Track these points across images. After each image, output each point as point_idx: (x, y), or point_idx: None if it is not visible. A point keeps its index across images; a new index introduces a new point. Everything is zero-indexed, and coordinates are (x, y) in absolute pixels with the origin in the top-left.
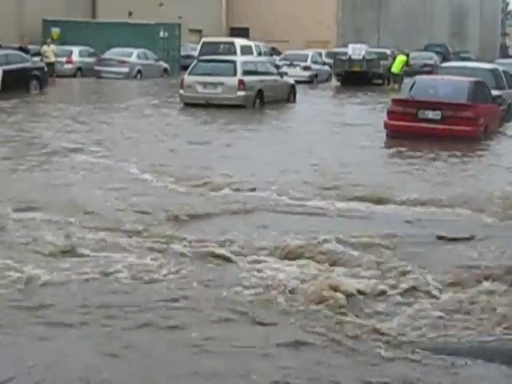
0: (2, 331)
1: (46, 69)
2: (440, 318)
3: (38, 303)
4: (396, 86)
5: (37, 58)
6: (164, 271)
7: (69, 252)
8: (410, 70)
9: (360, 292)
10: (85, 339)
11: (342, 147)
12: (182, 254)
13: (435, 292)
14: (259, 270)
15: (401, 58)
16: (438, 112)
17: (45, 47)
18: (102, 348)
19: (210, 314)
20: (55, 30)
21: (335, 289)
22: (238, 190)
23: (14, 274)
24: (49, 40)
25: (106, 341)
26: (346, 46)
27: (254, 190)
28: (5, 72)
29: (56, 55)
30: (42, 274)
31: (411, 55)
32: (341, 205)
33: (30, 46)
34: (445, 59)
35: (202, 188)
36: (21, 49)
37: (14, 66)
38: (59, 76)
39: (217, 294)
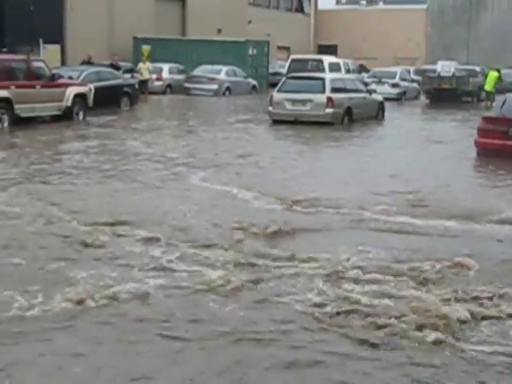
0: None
1: (136, 86)
2: None
3: (125, 317)
4: (489, 104)
5: (127, 75)
6: (250, 288)
7: (157, 267)
8: (500, 88)
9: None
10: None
11: (431, 164)
12: (273, 272)
13: None
14: (355, 291)
15: (493, 75)
16: None
17: (140, 64)
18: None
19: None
20: (146, 48)
21: (443, 313)
22: (326, 206)
23: (104, 288)
24: (144, 58)
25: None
26: (434, 62)
27: (340, 206)
28: (96, 89)
29: (150, 73)
30: (131, 289)
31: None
32: (430, 223)
33: (121, 63)
34: None
35: (289, 204)
36: (112, 66)
37: (106, 82)
38: (149, 93)
39: (311, 314)
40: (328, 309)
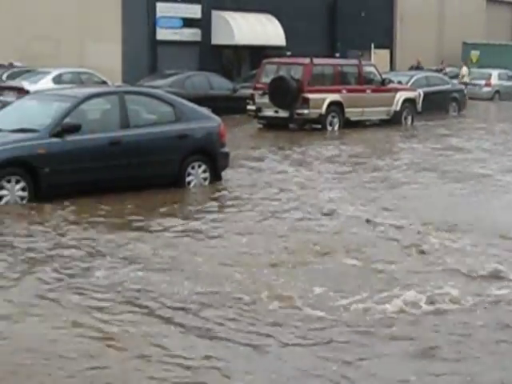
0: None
1: (465, 91)
2: None
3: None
4: None
5: (455, 81)
6: None
7: (492, 276)
8: None
9: None
10: None
11: None
12: None
13: None
14: None
15: None
16: None
17: (463, 69)
18: None
19: None
20: (474, 53)
21: None
22: None
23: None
24: (463, 62)
25: None
26: None
27: None
28: (425, 94)
29: (469, 78)
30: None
31: None
32: None
33: (448, 69)
34: None
35: None
36: (437, 71)
37: (434, 88)
38: (475, 99)
39: None
40: None
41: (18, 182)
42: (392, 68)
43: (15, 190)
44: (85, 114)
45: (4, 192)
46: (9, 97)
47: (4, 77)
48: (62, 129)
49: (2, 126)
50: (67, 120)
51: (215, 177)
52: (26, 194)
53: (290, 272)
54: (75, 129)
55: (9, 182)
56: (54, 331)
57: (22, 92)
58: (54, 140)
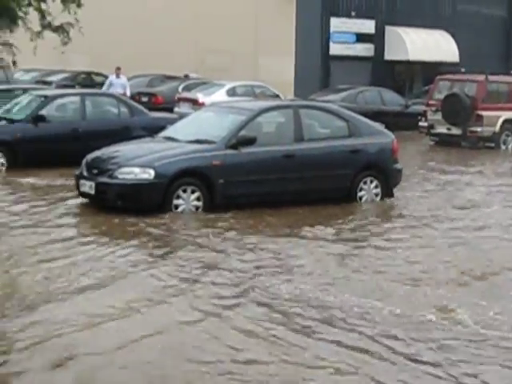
0: None
1: None
2: None
3: None
4: None
5: None
6: None
7: None
8: None
9: None
10: None
11: None
12: None
13: None
14: None
15: None
16: None
17: None
18: None
19: None
20: None
21: None
22: None
23: None
24: None
25: None
26: None
27: None
28: None
29: None
30: None
31: None
32: None
33: None
34: None
35: None
36: None
37: None
38: None
39: None
40: None
41: (193, 191)
42: None
43: (190, 199)
44: (260, 126)
45: (180, 201)
46: (184, 108)
47: (180, 88)
48: (238, 141)
49: (179, 136)
50: (243, 132)
51: (387, 193)
52: (200, 203)
53: (460, 289)
54: (250, 141)
55: (185, 191)
56: None
57: (196, 103)
58: (230, 152)
